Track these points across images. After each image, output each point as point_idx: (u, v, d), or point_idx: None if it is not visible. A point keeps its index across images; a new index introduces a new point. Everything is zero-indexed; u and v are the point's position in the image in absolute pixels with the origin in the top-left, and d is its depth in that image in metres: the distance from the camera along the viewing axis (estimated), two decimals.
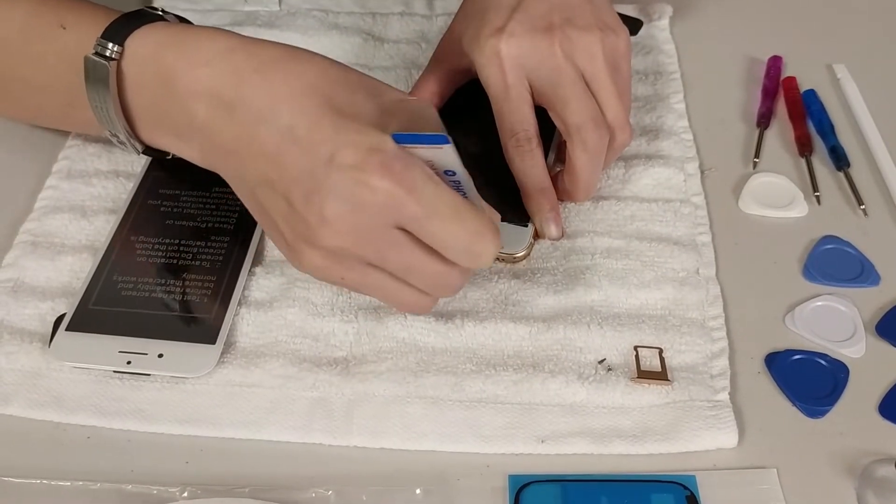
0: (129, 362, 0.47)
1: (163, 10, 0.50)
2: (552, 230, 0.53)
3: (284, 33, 0.67)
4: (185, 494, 0.43)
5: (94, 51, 0.47)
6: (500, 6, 0.53)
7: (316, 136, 0.43)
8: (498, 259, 0.53)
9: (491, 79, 0.53)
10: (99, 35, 0.47)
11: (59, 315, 0.49)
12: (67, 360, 0.48)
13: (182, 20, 0.51)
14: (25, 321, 0.50)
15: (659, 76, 0.65)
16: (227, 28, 0.67)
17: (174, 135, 0.48)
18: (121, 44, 0.47)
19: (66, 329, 0.48)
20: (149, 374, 0.47)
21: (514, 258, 0.53)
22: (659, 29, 0.69)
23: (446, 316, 0.50)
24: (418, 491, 0.43)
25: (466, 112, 0.57)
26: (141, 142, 0.50)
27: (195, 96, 0.46)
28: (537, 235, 0.54)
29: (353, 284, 0.46)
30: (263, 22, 0.68)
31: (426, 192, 0.42)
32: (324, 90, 0.44)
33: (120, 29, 0.47)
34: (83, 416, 0.46)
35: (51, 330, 0.49)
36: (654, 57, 0.67)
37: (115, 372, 0.47)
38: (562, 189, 0.54)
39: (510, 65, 0.52)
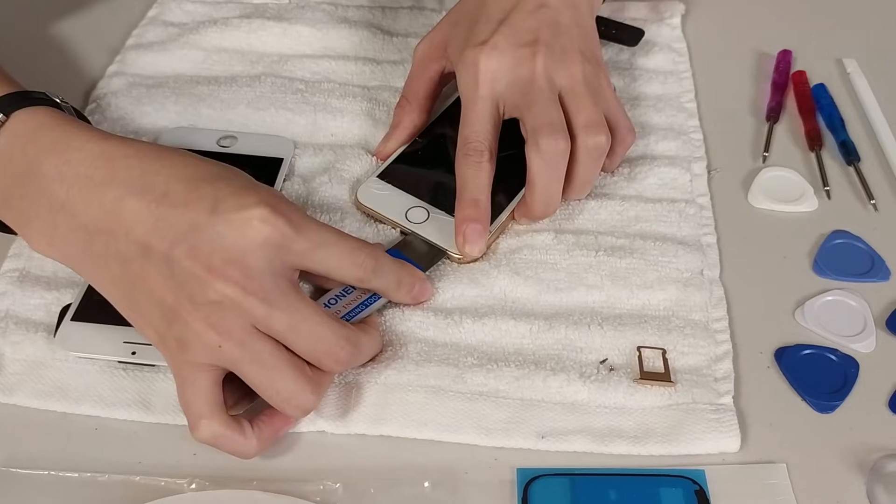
0: (134, 353, 0.47)
1: (62, 100, 0.49)
2: (470, 243, 0.50)
3: (293, 26, 0.67)
4: (193, 486, 0.43)
5: None
6: (489, 18, 0.54)
7: (194, 195, 0.43)
8: (447, 257, 0.52)
9: (463, 87, 0.53)
10: None
11: (64, 305, 0.49)
12: (73, 350, 0.47)
13: (78, 114, 0.50)
14: (31, 311, 0.50)
15: (670, 75, 0.65)
16: (235, 20, 0.67)
17: (24, 216, 0.46)
18: (7, 115, 0.46)
19: (72, 319, 0.48)
20: (154, 365, 0.47)
21: (462, 259, 0.52)
22: (671, 27, 0.69)
23: (444, 312, 0.50)
24: (426, 484, 0.43)
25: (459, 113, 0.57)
26: None
27: (61, 178, 0.44)
28: (494, 238, 0.53)
29: (229, 355, 0.42)
30: (272, 15, 0.68)
31: (308, 227, 0.44)
32: (202, 168, 0.45)
33: (12, 102, 0.46)
34: (88, 407, 0.46)
35: (56, 320, 0.48)
36: (666, 56, 0.66)
37: (119, 362, 0.47)
38: (521, 204, 0.53)
39: (484, 78, 0.52)
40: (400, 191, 0.55)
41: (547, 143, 0.50)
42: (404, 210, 0.53)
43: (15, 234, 0.49)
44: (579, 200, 0.55)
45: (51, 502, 0.42)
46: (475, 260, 0.52)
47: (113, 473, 0.43)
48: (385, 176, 0.55)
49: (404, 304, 0.50)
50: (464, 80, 0.53)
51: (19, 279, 0.51)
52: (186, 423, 0.45)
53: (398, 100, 0.59)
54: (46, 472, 0.43)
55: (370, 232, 0.54)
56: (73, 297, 0.49)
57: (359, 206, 0.55)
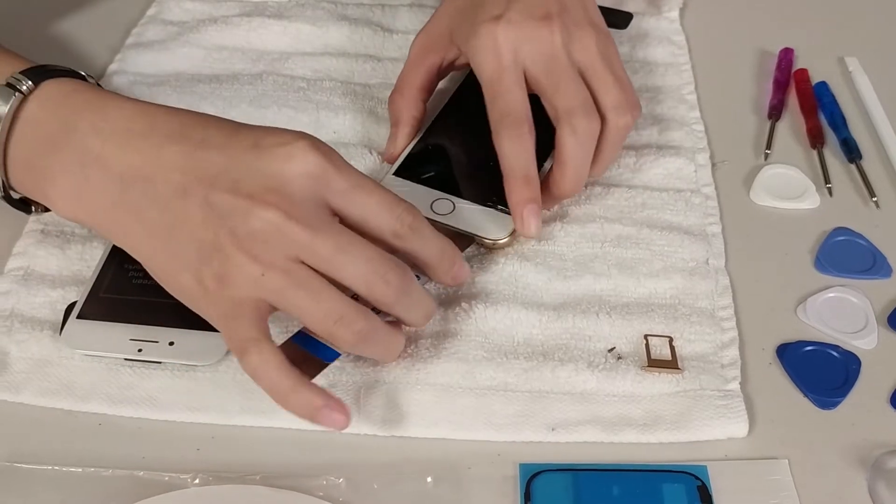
0: (139, 350, 0.47)
1: (88, 75, 0.49)
2: (530, 225, 0.50)
3: (293, 24, 0.67)
4: (197, 481, 0.43)
5: (6, 82, 0.46)
6: None
7: (234, 138, 0.43)
8: (481, 244, 0.52)
9: (485, 64, 0.52)
10: (18, 72, 0.46)
11: (69, 303, 0.49)
12: (78, 348, 0.48)
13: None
14: (36, 309, 0.50)
15: (669, 67, 0.65)
16: (235, 18, 0.67)
17: (49, 175, 0.45)
18: (36, 84, 0.46)
19: (77, 317, 0.48)
20: (160, 363, 0.47)
21: (496, 243, 0.52)
22: (669, 21, 0.69)
23: (454, 301, 0.50)
24: (429, 479, 0.43)
25: (469, 98, 0.57)
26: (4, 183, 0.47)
27: (97, 132, 0.44)
28: None
29: (273, 283, 0.41)
30: (272, 13, 0.68)
31: (349, 169, 0.44)
32: (239, 123, 0.45)
33: (41, 73, 0.47)
34: (94, 405, 0.46)
35: (62, 318, 0.49)
36: (665, 48, 0.67)
37: (125, 360, 0.47)
38: (549, 186, 0.52)
39: (506, 49, 0.52)
40: (420, 185, 0.54)
41: (582, 124, 0.50)
42: (429, 203, 0.53)
43: (30, 211, 0.49)
44: (585, 188, 0.55)
45: (54, 497, 0.42)
46: (508, 245, 0.52)
47: (116, 468, 0.43)
48: (401, 173, 0.55)
49: (445, 284, 0.49)
50: (482, 56, 0.52)
51: (24, 277, 0.51)
52: (193, 419, 0.46)
53: (392, 91, 0.58)
54: (50, 468, 0.43)
55: None
56: (78, 295, 0.50)
57: None
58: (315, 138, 0.44)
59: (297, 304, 0.42)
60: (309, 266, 0.42)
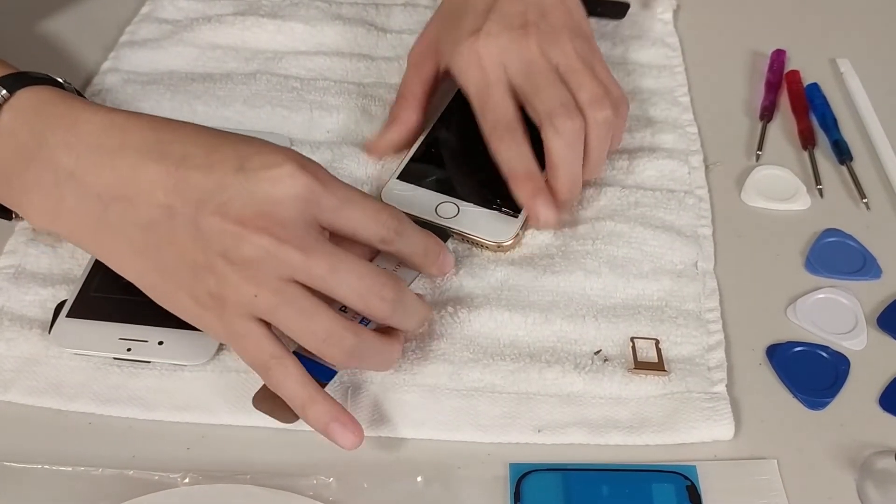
0: (129, 349, 0.47)
1: (65, 81, 0.48)
2: (547, 215, 0.51)
3: (287, 23, 0.67)
4: (187, 480, 0.43)
5: None
6: (475, 10, 0.54)
7: (216, 157, 0.43)
8: (485, 247, 0.53)
9: (471, 80, 0.53)
10: None
11: (59, 302, 0.49)
12: (68, 346, 0.48)
13: (81, 96, 0.49)
14: (26, 308, 0.50)
15: (663, 69, 0.65)
16: (229, 17, 0.67)
17: (24, 191, 0.44)
18: (11, 92, 0.45)
19: (67, 316, 0.48)
20: (149, 362, 0.47)
21: (501, 246, 0.52)
22: (663, 22, 0.69)
23: (440, 304, 0.50)
24: (419, 479, 0.43)
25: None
26: None
27: (69, 148, 0.43)
28: (526, 227, 0.54)
29: (266, 303, 0.41)
30: (266, 12, 0.68)
31: (335, 184, 0.44)
32: (217, 133, 0.44)
33: (16, 81, 0.45)
34: (82, 404, 0.46)
35: (51, 316, 0.49)
36: (658, 50, 0.67)
37: (115, 359, 0.47)
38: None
39: (489, 63, 0.52)
40: (424, 189, 0.54)
41: (564, 123, 0.51)
42: (433, 207, 0.53)
43: (10, 218, 0.48)
44: (587, 187, 0.56)
45: (44, 496, 0.42)
46: (512, 248, 0.53)
47: (106, 468, 0.43)
48: (405, 177, 0.55)
49: (432, 276, 0.49)
50: (467, 74, 0.53)
51: (14, 276, 0.51)
52: (181, 419, 0.46)
53: (395, 98, 0.59)
54: (40, 466, 0.43)
55: None
56: (68, 293, 0.50)
57: None
58: (301, 156, 0.43)
59: (288, 323, 0.42)
60: (303, 284, 0.42)
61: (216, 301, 0.42)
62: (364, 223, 0.44)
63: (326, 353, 0.42)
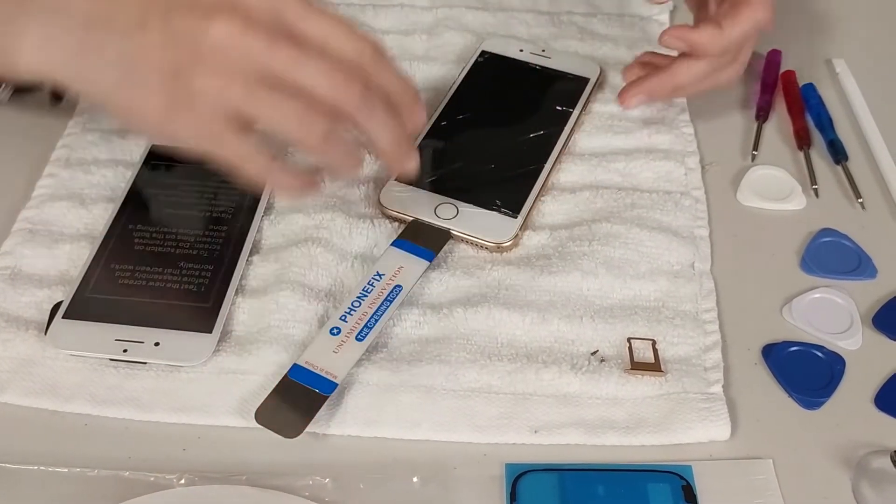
0: (125, 350, 0.47)
1: None
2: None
3: None
4: (183, 481, 0.43)
5: None
6: None
7: None
8: (483, 247, 0.53)
9: None
10: None
11: (56, 303, 0.49)
12: (64, 347, 0.48)
13: None
14: (22, 309, 0.50)
15: None
16: None
17: (15, 32, 0.44)
18: None
19: (63, 317, 0.48)
20: (145, 363, 0.47)
21: (500, 247, 0.53)
22: (659, 24, 0.69)
23: (437, 306, 0.50)
24: (415, 479, 0.44)
25: (479, 93, 0.58)
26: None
27: None
28: (525, 227, 0.54)
29: (237, 93, 0.42)
30: None
31: None
32: None
33: None
34: (78, 405, 0.46)
35: (47, 318, 0.49)
36: (655, 51, 0.66)
37: (111, 360, 0.47)
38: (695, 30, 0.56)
39: None
40: (422, 190, 0.55)
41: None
42: (432, 208, 0.53)
43: None
44: (573, 193, 0.56)
45: (40, 497, 0.42)
46: (511, 248, 0.53)
47: (102, 469, 0.43)
48: (403, 178, 0.55)
49: (404, 137, 0.47)
50: None
51: (10, 277, 0.51)
52: (178, 420, 0.46)
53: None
54: (36, 468, 0.43)
55: (391, 229, 0.54)
56: (64, 294, 0.50)
57: (383, 210, 0.54)
58: None
59: (261, 110, 0.43)
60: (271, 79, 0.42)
61: (188, 100, 0.42)
62: (335, 35, 0.44)
63: (302, 135, 0.43)
